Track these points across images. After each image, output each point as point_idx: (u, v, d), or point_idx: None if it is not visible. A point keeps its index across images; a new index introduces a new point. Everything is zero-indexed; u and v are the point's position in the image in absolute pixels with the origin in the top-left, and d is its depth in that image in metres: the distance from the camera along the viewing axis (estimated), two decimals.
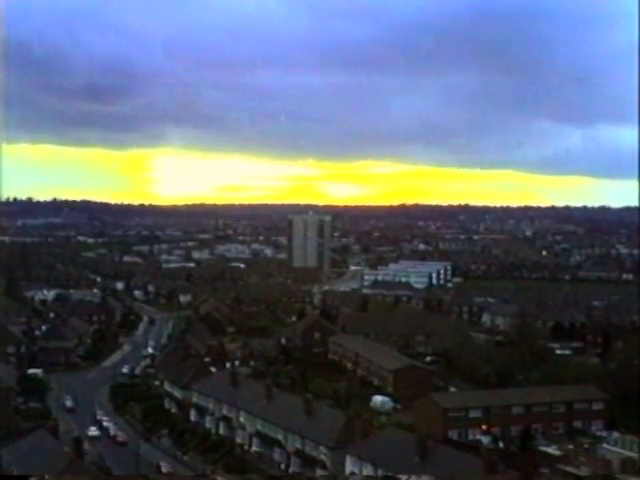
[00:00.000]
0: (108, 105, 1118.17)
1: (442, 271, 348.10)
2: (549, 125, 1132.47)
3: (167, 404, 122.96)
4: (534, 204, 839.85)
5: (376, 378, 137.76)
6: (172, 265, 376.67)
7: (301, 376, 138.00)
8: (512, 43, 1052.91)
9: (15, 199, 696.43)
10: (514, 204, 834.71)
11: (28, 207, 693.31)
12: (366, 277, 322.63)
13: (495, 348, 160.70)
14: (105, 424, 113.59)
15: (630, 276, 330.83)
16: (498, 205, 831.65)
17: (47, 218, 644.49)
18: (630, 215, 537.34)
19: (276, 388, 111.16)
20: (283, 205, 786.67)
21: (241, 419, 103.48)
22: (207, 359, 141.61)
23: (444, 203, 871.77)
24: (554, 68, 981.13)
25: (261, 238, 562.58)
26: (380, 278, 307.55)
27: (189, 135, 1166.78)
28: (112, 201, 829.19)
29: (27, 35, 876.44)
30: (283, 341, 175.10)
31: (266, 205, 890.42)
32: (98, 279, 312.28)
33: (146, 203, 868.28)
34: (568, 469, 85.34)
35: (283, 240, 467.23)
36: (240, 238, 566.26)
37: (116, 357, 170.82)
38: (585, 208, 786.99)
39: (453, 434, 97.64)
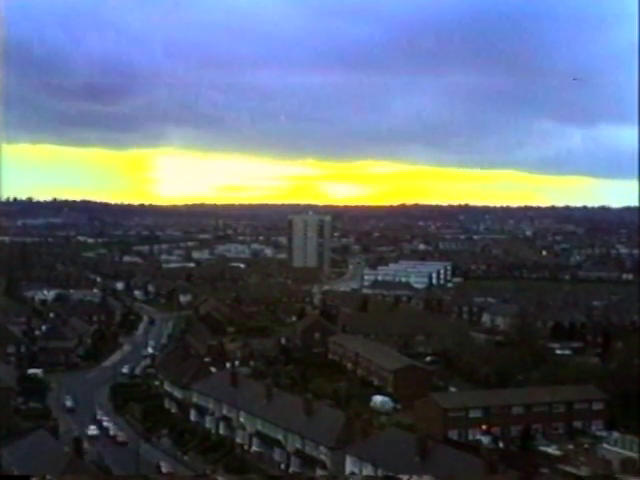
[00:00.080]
0: (108, 105, 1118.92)
1: (442, 271, 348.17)
2: (549, 125, 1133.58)
3: (167, 404, 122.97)
4: (534, 204, 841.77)
5: (376, 378, 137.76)
6: (172, 265, 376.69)
7: (301, 376, 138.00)
8: (512, 43, 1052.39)
9: (15, 199, 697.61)
10: (514, 204, 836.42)
11: (28, 207, 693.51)
12: (366, 277, 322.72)
13: (495, 348, 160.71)
14: (105, 424, 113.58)
15: (630, 276, 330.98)
16: (498, 205, 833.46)
17: (47, 218, 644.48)
18: (630, 215, 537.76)
19: (276, 388, 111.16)
20: (283, 205, 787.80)
21: (241, 419, 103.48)
22: (207, 359, 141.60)
23: (444, 203, 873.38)
24: (554, 68, 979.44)
25: (261, 238, 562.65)
26: (380, 278, 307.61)
27: (189, 135, 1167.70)
28: (112, 201, 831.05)
29: (27, 35, 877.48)
30: (283, 341, 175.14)
31: (266, 205, 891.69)
32: (98, 279, 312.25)
33: (146, 203, 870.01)
34: (568, 469, 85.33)
35: (283, 240, 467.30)
36: (240, 238, 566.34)
37: (116, 357, 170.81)
38: (585, 208, 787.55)
39: (453, 434, 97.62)
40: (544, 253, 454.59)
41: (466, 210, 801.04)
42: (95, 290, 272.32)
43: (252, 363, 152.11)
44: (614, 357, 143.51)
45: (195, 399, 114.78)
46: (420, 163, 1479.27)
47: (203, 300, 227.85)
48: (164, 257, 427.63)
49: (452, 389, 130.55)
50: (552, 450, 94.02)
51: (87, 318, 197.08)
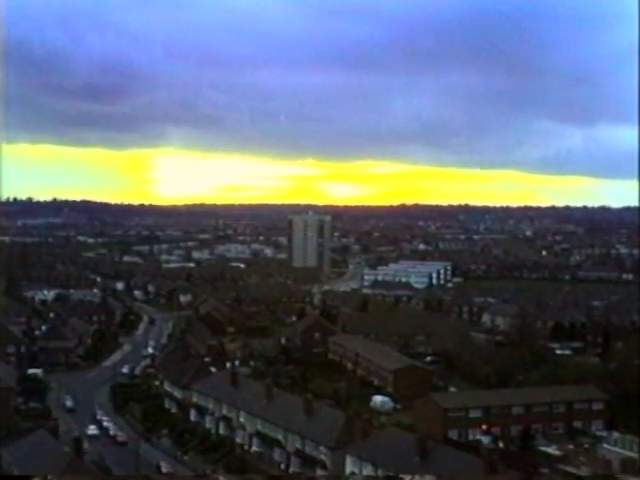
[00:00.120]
0: (108, 105, 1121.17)
1: (442, 271, 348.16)
2: (549, 125, 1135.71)
3: (167, 404, 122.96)
4: (534, 204, 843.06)
5: (376, 378, 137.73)
6: (172, 265, 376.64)
7: (301, 376, 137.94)
8: (512, 43, 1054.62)
9: (15, 199, 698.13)
10: (514, 204, 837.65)
11: (28, 207, 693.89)
12: (366, 277, 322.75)
13: (495, 348, 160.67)
14: (105, 424, 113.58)
15: (630, 276, 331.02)
16: (498, 205, 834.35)
17: (47, 218, 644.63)
18: (630, 215, 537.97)
19: (276, 388, 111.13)
20: (283, 205, 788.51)
21: (241, 419, 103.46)
22: (207, 359, 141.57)
23: (444, 203, 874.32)
24: (554, 68, 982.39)
25: (261, 238, 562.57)
26: (380, 278, 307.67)
27: (189, 135, 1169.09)
28: (112, 201, 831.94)
29: (27, 35, 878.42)
30: (283, 341, 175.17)
31: (266, 205, 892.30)
32: (98, 279, 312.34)
33: (146, 203, 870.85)
34: (568, 469, 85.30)
35: (283, 240, 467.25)
36: (240, 238, 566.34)
37: (116, 357, 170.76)
38: (585, 208, 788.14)
39: (453, 434, 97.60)
40: (544, 253, 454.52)
41: (466, 210, 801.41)
42: (95, 290, 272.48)
43: (252, 363, 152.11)
44: (614, 357, 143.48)
45: (195, 399, 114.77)
46: (420, 163, 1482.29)
47: (203, 300, 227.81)
48: (164, 257, 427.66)
49: (452, 389, 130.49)
50: (552, 450, 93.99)
51: (87, 318, 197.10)
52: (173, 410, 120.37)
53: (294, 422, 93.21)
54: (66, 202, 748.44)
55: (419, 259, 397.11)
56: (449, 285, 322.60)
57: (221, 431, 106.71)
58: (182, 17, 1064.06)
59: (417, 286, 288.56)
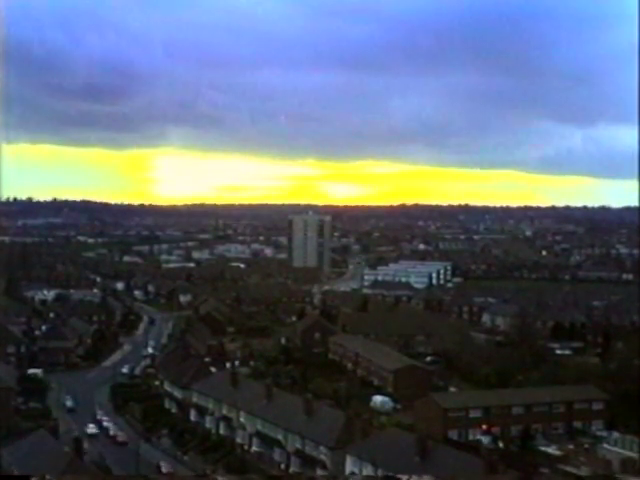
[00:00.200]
0: (108, 105, 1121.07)
1: (442, 271, 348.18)
2: (549, 125, 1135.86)
3: (167, 404, 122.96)
4: (534, 204, 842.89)
5: (376, 378, 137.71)
6: (172, 265, 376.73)
7: (301, 376, 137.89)
8: (512, 43, 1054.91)
9: (15, 199, 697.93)
10: (514, 204, 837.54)
11: (28, 207, 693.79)
12: (366, 277, 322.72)
13: (495, 348, 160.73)
14: (105, 424, 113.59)
15: (630, 276, 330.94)
16: (498, 205, 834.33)
17: (47, 218, 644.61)
18: (630, 215, 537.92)
19: (276, 388, 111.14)
20: (283, 205, 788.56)
21: (241, 419, 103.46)
22: (207, 359, 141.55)
23: (444, 203, 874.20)
24: (554, 68, 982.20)
25: (261, 238, 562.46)
26: (380, 278, 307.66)
27: (189, 135, 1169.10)
28: (112, 201, 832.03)
29: (27, 35, 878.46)
30: (283, 341, 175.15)
31: (266, 205, 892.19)
32: (98, 279, 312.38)
33: (146, 203, 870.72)
34: (568, 469, 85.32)
35: (283, 240, 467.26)
36: (240, 238, 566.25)
37: (116, 357, 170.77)
38: (585, 208, 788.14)
39: (453, 434, 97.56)
40: (544, 253, 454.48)
41: (466, 210, 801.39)
42: (95, 290, 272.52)
43: (252, 363, 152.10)
44: (614, 357, 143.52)
45: (195, 399, 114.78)
46: (420, 163, 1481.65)
47: (203, 300, 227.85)
48: (164, 257, 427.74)
49: (452, 389, 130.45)
50: (552, 450, 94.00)
51: (87, 318, 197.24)
52: (173, 410, 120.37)
53: (294, 422, 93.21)
54: (66, 202, 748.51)
55: (419, 259, 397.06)
56: (449, 285, 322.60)
57: (221, 431, 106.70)
58: (182, 17, 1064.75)
59: (417, 286, 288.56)
